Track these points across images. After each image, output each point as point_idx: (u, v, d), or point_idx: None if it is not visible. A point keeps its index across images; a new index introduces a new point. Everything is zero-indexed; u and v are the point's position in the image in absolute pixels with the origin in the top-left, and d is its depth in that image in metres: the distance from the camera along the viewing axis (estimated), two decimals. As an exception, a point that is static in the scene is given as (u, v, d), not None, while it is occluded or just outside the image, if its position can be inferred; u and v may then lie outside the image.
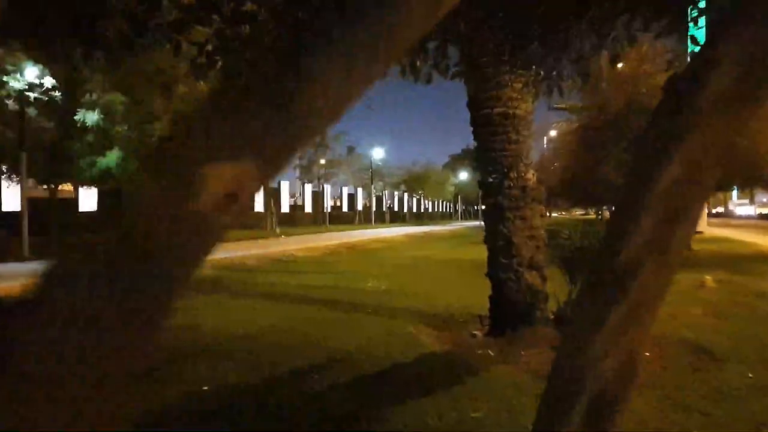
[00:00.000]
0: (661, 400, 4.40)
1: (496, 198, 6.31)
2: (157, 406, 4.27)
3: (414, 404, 4.30)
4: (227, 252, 16.77)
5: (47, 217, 17.99)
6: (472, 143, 6.90)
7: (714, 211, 52.27)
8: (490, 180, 6.36)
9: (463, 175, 73.19)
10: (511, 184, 6.25)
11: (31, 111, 14.26)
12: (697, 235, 21.99)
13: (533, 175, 6.38)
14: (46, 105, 14.21)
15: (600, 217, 49.97)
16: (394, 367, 5.31)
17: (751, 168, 16.76)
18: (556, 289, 6.42)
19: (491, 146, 6.31)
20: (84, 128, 14.44)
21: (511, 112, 6.17)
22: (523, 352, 5.79)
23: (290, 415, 4.11)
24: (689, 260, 15.59)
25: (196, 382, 4.81)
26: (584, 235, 6.45)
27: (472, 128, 6.49)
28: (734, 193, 67.43)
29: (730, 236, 26.31)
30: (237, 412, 4.18)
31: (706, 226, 29.04)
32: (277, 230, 28.77)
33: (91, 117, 14.21)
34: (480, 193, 6.67)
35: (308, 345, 6.09)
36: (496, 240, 6.33)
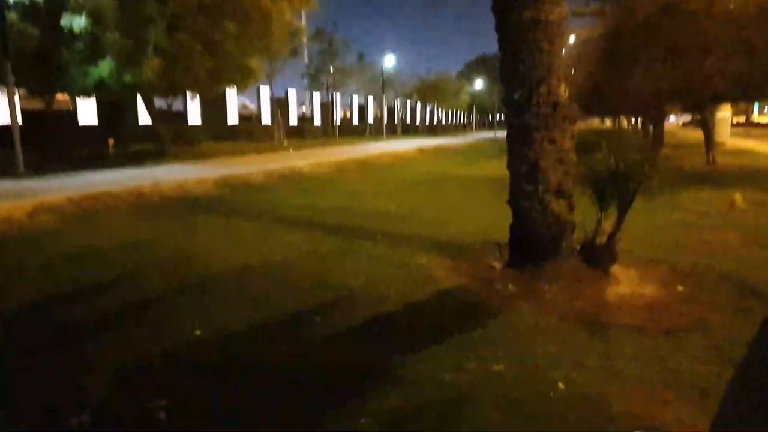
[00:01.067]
0: (707, 350, 3.90)
1: (522, 117, 5.56)
2: (145, 353, 3.85)
3: (427, 354, 3.84)
4: (233, 168, 16.21)
5: (43, 130, 17.30)
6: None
7: (735, 121, 50.73)
8: (516, 96, 5.57)
9: (479, 84, 70.68)
10: (541, 101, 5.47)
11: (12, 15, 13.20)
12: (720, 147, 21.03)
13: (565, 90, 5.59)
14: (28, 8, 13.12)
15: (617, 126, 48.51)
16: (405, 307, 4.83)
17: None
18: (582, 214, 5.82)
19: (518, 57, 5.47)
20: (72, 34, 13.43)
21: (543, 17, 5.28)
22: (546, 288, 5.30)
23: (288, 368, 3.66)
24: (714, 175, 14.85)
25: (185, 325, 4.37)
26: (618, 153, 5.71)
27: (497, 35, 5.63)
28: (756, 107, 65.48)
29: (753, 148, 25.25)
30: (228, 364, 3.74)
31: (728, 137, 27.90)
32: (285, 143, 27.96)
33: (79, 22, 13.14)
34: (504, 112, 5.90)
35: (311, 280, 5.60)
36: (521, 164, 5.65)
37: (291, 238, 7.56)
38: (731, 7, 14.28)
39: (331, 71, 38.47)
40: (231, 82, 18.97)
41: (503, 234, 6.18)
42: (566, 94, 5.58)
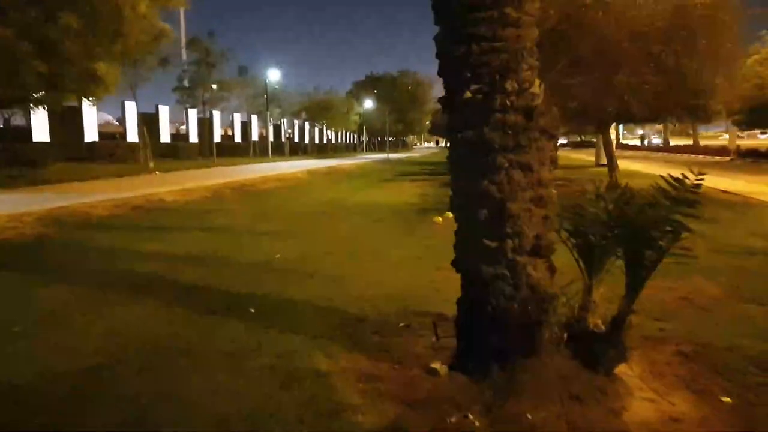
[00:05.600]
0: None
1: (477, 129, 3.41)
2: None
3: None
4: (75, 197, 12.90)
5: None
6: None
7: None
8: (468, 96, 3.42)
9: (368, 104, 69.35)
10: (507, 104, 3.36)
11: None
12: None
13: (541, 87, 3.53)
14: None
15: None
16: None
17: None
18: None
19: (471, 31, 3.34)
20: None
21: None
22: (529, 416, 3.14)
23: None
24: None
25: None
26: (619, 199, 3.75)
27: (433, 4, 3.48)
28: (621, 128, 72.73)
29: (641, 170, 25.45)
30: None
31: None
32: (151, 164, 24.22)
33: None
34: (446, 122, 3.70)
35: (128, 413, 3.02)
36: (477, 206, 3.48)
37: (122, 315, 4.90)
38: (638, 17, 13.42)
39: (212, 84, 34.82)
40: (75, 91, 15.49)
41: (428, 296, 3.94)
42: (542, 93, 3.52)
